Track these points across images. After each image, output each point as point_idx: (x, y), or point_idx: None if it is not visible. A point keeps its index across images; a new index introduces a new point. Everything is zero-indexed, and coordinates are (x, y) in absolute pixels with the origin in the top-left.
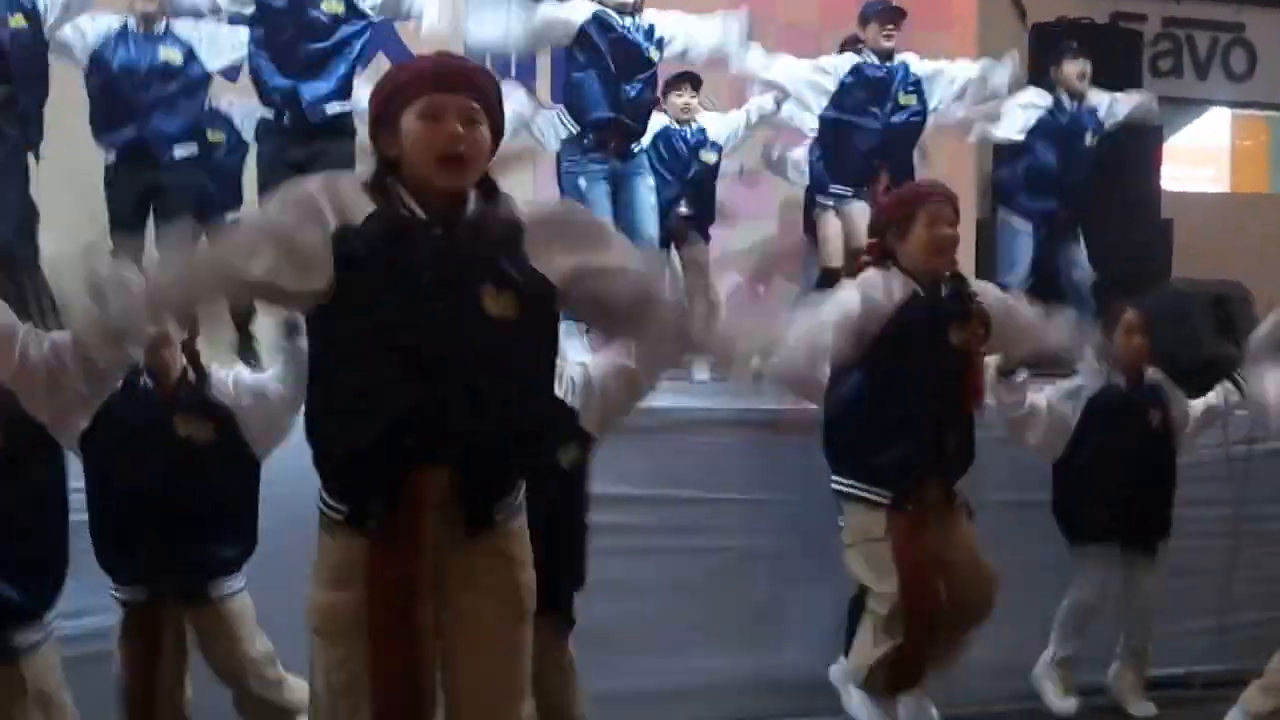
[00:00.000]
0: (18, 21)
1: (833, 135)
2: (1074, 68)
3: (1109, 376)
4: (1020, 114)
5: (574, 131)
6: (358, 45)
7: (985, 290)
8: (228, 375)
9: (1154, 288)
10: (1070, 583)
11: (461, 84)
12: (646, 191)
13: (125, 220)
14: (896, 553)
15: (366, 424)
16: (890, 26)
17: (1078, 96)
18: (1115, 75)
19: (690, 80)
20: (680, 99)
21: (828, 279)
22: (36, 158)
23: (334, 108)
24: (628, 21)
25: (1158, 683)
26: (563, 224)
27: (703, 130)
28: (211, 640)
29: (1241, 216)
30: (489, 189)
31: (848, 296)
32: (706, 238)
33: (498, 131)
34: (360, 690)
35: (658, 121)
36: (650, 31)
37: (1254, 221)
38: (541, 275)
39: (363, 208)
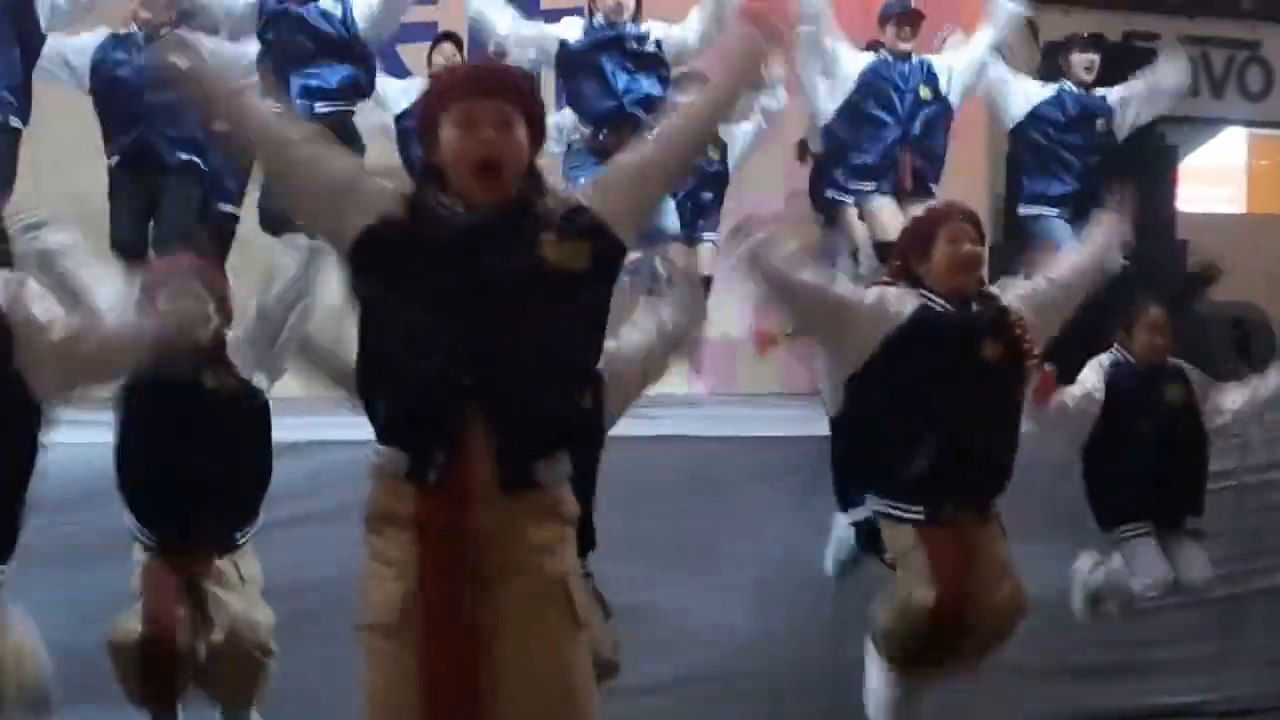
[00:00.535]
0: None
1: (849, 132)
2: (1082, 59)
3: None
4: (1023, 98)
5: (585, 134)
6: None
7: (1010, 292)
8: None
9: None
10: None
11: (497, 89)
12: None
13: (127, 223)
14: (932, 566)
15: (422, 368)
16: (907, 28)
17: (1083, 87)
18: None
19: None
20: None
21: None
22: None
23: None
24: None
25: (1166, 712)
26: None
27: None
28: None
29: (1258, 237)
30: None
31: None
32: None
33: (539, 135)
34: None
35: None
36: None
37: (1270, 243)
38: (612, 231)
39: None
